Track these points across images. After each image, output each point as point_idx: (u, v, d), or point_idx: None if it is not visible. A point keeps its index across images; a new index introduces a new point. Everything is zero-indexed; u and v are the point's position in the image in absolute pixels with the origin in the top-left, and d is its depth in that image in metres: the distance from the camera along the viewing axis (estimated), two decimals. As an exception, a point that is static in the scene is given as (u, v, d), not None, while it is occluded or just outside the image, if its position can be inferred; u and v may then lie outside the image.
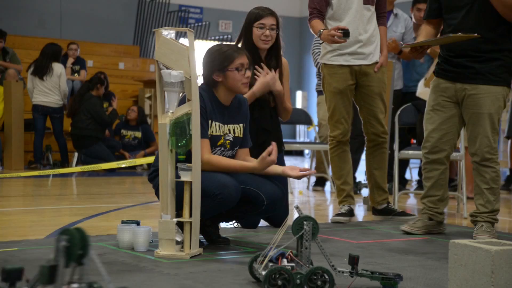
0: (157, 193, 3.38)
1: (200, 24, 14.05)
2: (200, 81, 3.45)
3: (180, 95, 3.10)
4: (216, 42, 16.31)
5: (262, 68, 3.93)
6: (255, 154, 3.65)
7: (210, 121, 3.30)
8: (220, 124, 3.34)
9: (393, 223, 4.43)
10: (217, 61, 3.30)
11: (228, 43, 4.09)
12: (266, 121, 3.99)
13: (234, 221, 4.03)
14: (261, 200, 3.31)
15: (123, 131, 9.67)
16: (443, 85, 3.93)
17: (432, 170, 3.98)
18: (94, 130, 8.95)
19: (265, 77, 3.89)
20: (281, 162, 4.11)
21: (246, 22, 3.98)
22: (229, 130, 3.38)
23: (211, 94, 3.35)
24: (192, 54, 3.02)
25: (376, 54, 4.43)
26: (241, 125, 3.44)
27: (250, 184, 3.31)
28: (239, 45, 3.97)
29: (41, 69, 8.80)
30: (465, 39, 3.71)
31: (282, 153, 4.16)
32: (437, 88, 3.96)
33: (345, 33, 4.06)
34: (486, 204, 3.82)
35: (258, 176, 3.40)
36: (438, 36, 3.83)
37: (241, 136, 3.44)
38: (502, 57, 3.81)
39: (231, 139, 3.39)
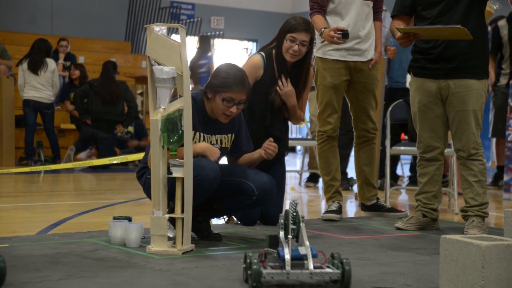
0: (145, 191, 3.40)
1: (192, 20, 14.03)
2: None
3: (172, 91, 3.10)
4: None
5: (286, 80, 3.96)
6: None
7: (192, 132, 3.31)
8: (205, 135, 3.37)
9: (385, 219, 4.44)
10: (216, 81, 3.33)
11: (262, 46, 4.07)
12: (277, 129, 4.04)
13: (225, 216, 4.04)
14: (251, 190, 3.35)
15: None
16: (426, 85, 3.94)
17: (427, 166, 4.02)
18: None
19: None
20: (282, 166, 4.16)
21: (281, 29, 3.98)
22: (216, 140, 3.40)
23: (201, 104, 3.38)
24: (184, 50, 3.01)
25: (371, 51, 4.43)
26: (229, 135, 3.46)
27: (240, 176, 3.34)
28: (271, 47, 4.00)
29: (37, 64, 8.76)
30: (464, 37, 3.71)
31: (284, 157, 4.20)
32: (420, 89, 3.97)
33: (344, 34, 4.06)
34: (476, 197, 3.85)
35: (248, 168, 3.45)
36: (438, 26, 3.78)
37: (229, 146, 3.46)
38: (481, 50, 3.86)
39: (218, 148, 3.41)
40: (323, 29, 4.16)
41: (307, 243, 2.43)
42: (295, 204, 2.50)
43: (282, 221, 2.48)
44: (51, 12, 12.97)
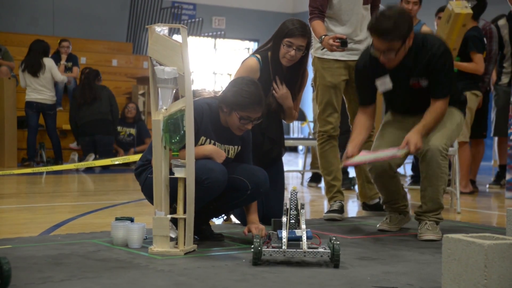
0: (143, 190, 3.40)
1: (193, 20, 14.03)
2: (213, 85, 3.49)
3: (174, 91, 3.10)
4: (209, 39, 16.10)
5: (281, 83, 3.97)
6: (258, 161, 3.67)
7: (203, 139, 3.32)
8: (217, 143, 3.37)
9: (387, 219, 4.44)
10: (233, 99, 3.32)
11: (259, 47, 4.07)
12: (273, 131, 4.06)
13: (224, 215, 4.04)
14: (245, 185, 3.36)
15: (119, 128, 9.64)
16: (396, 118, 3.91)
17: (381, 183, 3.90)
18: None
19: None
20: (280, 165, 4.18)
21: (277, 33, 3.96)
22: (225, 150, 3.40)
23: (215, 113, 3.38)
24: (186, 51, 3.01)
25: None
26: (236, 147, 3.46)
27: (232, 172, 3.35)
28: (267, 48, 4.00)
29: (34, 66, 8.77)
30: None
31: (281, 157, 4.21)
32: (390, 121, 3.93)
33: (343, 42, 4.06)
34: (428, 202, 3.73)
35: (239, 164, 3.46)
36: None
37: (233, 157, 3.46)
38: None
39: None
40: (323, 36, 4.16)
41: (303, 226, 2.80)
42: (295, 193, 2.88)
43: (285, 208, 2.86)
44: (52, 13, 12.98)
